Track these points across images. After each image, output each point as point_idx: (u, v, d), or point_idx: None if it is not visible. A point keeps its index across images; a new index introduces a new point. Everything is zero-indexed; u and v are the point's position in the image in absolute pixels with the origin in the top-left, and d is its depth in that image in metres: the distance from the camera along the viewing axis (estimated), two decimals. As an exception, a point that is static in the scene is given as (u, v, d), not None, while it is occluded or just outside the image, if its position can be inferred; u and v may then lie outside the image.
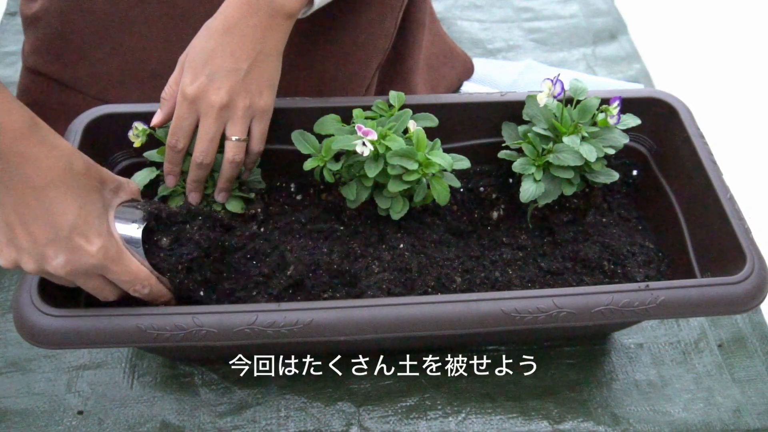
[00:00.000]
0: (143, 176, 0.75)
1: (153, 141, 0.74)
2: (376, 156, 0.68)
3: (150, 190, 0.75)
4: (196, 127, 0.70)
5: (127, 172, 0.74)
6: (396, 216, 0.72)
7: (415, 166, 0.68)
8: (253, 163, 0.75)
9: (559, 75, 0.73)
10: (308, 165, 0.71)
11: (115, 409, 0.74)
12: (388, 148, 0.68)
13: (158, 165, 0.75)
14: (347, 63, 0.85)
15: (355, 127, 0.67)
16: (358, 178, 0.72)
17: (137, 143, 0.73)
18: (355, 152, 0.68)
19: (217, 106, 0.68)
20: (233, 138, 0.70)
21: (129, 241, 0.62)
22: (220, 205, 0.75)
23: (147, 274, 0.62)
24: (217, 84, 0.68)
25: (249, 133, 0.72)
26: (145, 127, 0.73)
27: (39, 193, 0.56)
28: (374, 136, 0.66)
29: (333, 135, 0.72)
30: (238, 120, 0.70)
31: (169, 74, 0.72)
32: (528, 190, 0.71)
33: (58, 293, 0.64)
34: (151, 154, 0.75)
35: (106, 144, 0.75)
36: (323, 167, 0.71)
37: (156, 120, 0.72)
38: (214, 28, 0.69)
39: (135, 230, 0.62)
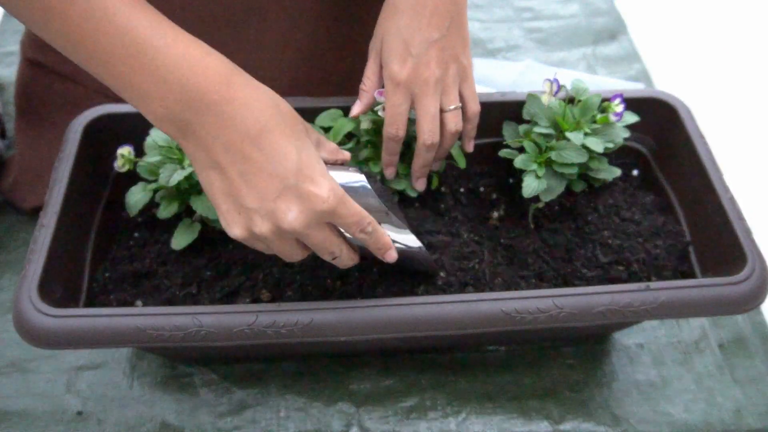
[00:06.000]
0: (138, 198, 0.70)
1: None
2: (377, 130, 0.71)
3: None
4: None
5: (128, 175, 0.73)
6: (415, 193, 0.75)
7: None
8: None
9: (555, 74, 0.72)
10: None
11: (115, 409, 0.74)
12: None
13: (151, 181, 0.71)
14: (349, 57, 0.85)
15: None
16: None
17: (123, 169, 0.70)
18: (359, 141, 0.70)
19: (432, 81, 0.66)
20: (450, 107, 0.68)
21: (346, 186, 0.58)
22: None
23: (366, 213, 0.57)
24: (425, 59, 0.66)
25: (461, 98, 0.70)
26: (131, 150, 0.70)
27: (256, 141, 0.51)
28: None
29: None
30: (450, 88, 0.68)
31: None
32: (530, 186, 0.70)
33: (58, 293, 0.63)
34: (146, 166, 0.71)
35: (106, 144, 0.75)
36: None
37: (356, 111, 0.71)
38: (400, 4, 0.66)
39: (353, 174, 0.59)
